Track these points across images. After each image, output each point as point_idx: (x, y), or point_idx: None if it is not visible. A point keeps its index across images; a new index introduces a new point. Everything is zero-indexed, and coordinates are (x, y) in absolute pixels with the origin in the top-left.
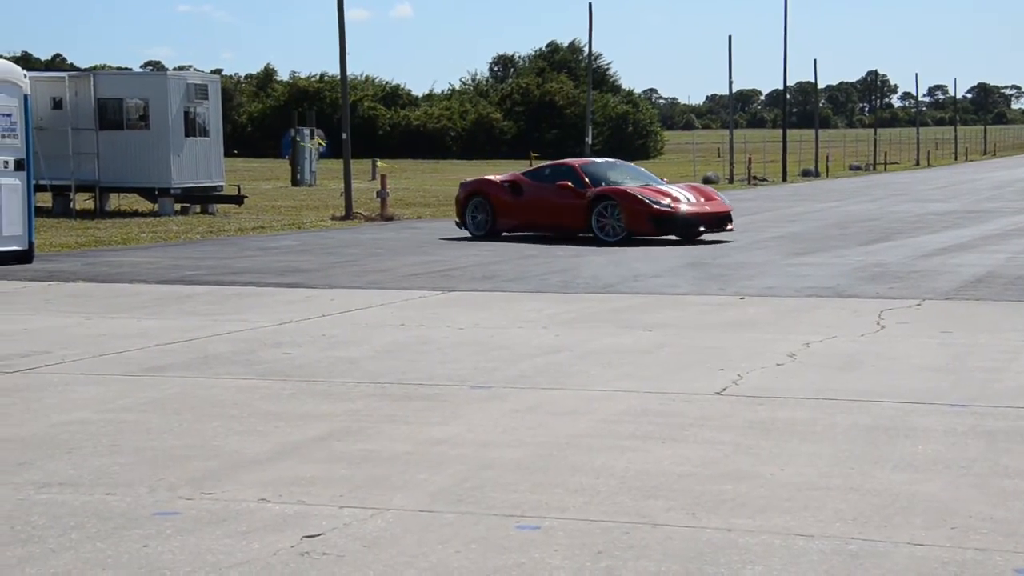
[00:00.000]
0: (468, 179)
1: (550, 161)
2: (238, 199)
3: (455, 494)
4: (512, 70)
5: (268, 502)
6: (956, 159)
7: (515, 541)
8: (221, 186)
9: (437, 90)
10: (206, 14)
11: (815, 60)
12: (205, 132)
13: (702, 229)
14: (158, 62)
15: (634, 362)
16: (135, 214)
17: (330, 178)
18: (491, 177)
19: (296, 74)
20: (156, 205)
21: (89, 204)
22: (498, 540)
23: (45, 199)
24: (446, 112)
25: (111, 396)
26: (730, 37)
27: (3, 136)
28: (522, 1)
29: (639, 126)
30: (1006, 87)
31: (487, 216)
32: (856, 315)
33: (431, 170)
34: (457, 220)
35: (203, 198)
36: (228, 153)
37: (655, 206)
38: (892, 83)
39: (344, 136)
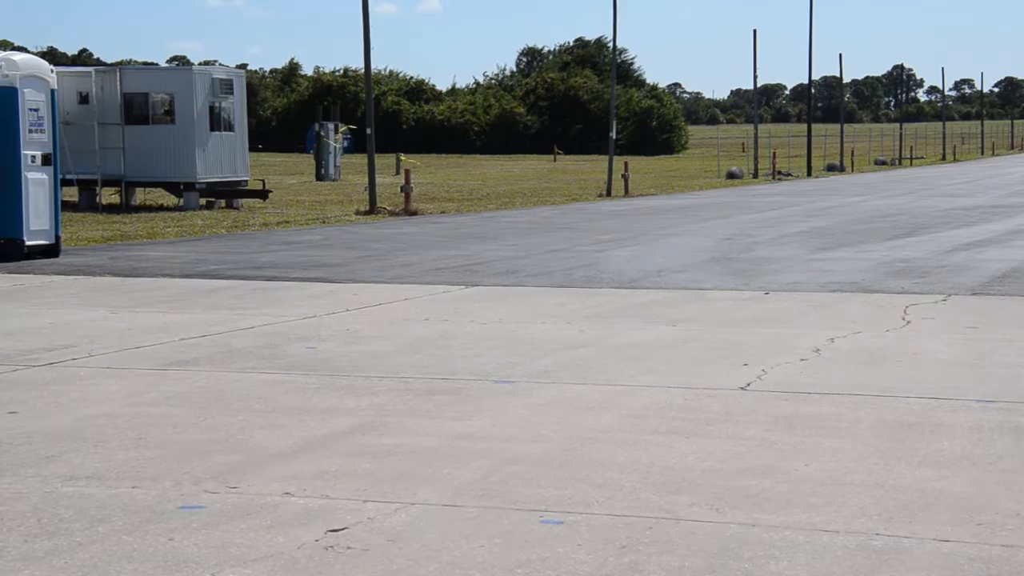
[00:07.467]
0: None
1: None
2: (263, 194)
3: (479, 488)
4: (538, 64)
5: (292, 496)
6: (982, 154)
7: (539, 535)
8: (246, 181)
9: (460, 84)
10: (234, 9)
11: (840, 54)
12: (230, 127)
13: None
14: (184, 57)
15: (658, 357)
16: (160, 208)
17: (354, 173)
18: None
19: (320, 69)
20: (181, 199)
21: (115, 198)
22: (522, 534)
23: (71, 193)
24: (469, 107)
25: (137, 390)
26: (755, 31)
27: (30, 131)
28: None
29: (663, 121)
30: None
31: None
32: (881, 310)
33: (455, 165)
34: None
35: (228, 193)
36: (253, 148)
37: None
38: (918, 77)
39: (368, 131)
